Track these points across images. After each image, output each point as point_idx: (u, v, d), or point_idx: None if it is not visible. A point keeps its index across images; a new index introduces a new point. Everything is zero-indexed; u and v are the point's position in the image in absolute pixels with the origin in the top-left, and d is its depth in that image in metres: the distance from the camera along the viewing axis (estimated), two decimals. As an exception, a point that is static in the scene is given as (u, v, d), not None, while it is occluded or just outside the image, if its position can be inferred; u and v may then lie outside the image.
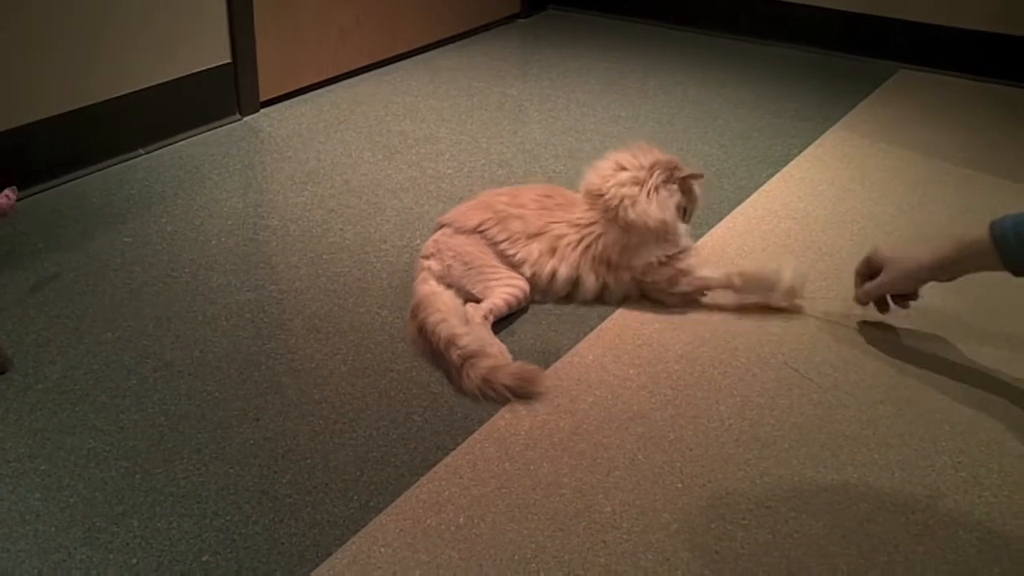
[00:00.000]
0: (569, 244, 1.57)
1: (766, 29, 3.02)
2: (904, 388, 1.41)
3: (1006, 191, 2.06)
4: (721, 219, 1.90)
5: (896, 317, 1.55)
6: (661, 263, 1.57)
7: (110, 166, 2.05)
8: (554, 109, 2.44)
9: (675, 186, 1.59)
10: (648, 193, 1.56)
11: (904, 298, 1.52)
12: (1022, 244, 1.32)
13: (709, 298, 1.60)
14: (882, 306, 1.54)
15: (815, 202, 1.98)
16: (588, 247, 1.57)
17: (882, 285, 1.50)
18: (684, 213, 1.63)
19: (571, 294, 1.59)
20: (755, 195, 2.01)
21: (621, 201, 1.56)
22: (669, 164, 1.60)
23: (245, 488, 1.19)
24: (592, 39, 3.02)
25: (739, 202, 1.97)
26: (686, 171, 1.61)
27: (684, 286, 1.58)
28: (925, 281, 1.48)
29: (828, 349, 1.50)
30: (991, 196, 2.04)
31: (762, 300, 1.59)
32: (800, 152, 2.22)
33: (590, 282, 1.58)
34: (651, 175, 1.58)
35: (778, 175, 2.10)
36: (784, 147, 2.24)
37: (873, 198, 2.01)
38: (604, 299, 1.60)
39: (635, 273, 1.58)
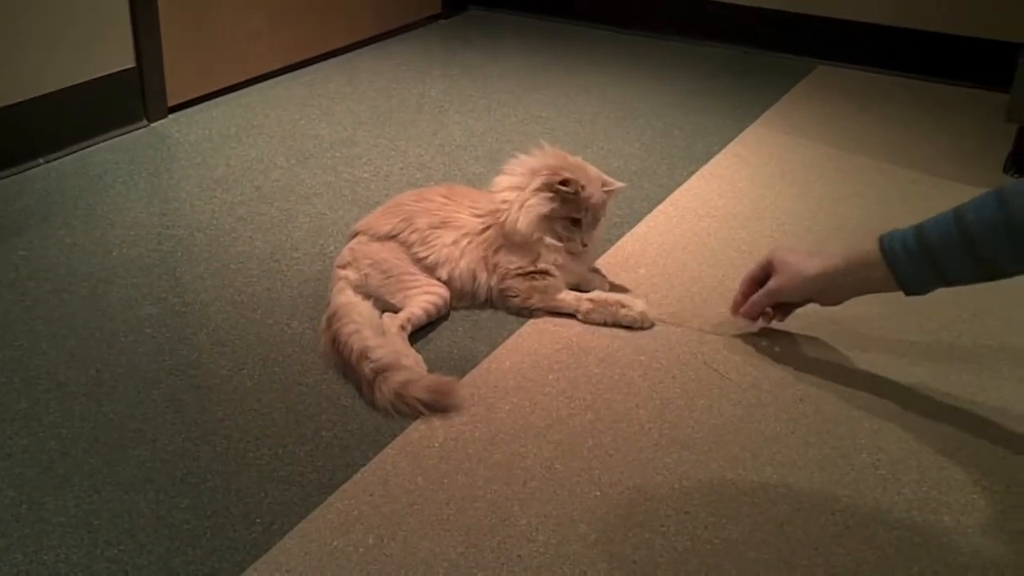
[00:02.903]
0: (468, 235, 1.54)
1: (685, 27, 3.02)
2: (823, 385, 1.40)
3: (924, 183, 2.07)
4: (642, 218, 1.88)
5: (790, 324, 1.50)
6: (518, 274, 1.53)
7: (6, 176, 1.95)
8: (474, 110, 2.40)
9: (549, 194, 1.51)
10: (522, 202, 1.51)
11: (783, 310, 1.47)
12: (912, 259, 1.28)
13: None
14: (766, 316, 1.48)
15: (735, 199, 1.97)
16: (481, 242, 1.54)
17: (770, 292, 1.42)
18: (573, 223, 1.53)
19: (473, 294, 1.55)
20: (676, 193, 1.99)
21: (500, 205, 1.53)
22: (553, 169, 1.52)
23: (140, 515, 1.12)
24: (513, 39, 2.99)
25: (660, 201, 1.95)
26: (560, 178, 1.50)
27: (527, 303, 1.53)
28: (811, 293, 1.41)
29: (747, 348, 1.48)
30: (909, 189, 2.05)
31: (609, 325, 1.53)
32: (720, 150, 2.21)
33: (483, 278, 1.54)
34: (530, 181, 1.52)
35: (698, 173, 2.09)
36: (704, 145, 2.23)
37: (793, 194, 2.00)
38: (492, 302, 1.56)
39: (499, 274, 1.54)
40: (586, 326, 1.52)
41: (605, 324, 1.52)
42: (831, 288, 1.39)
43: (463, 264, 1.53)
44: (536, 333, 1.50)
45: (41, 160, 2.03)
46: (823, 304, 1.43)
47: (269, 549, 1.08)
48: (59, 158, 2.05)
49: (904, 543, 1.12)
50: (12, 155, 1.97)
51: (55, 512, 1.12)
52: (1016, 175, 2.09)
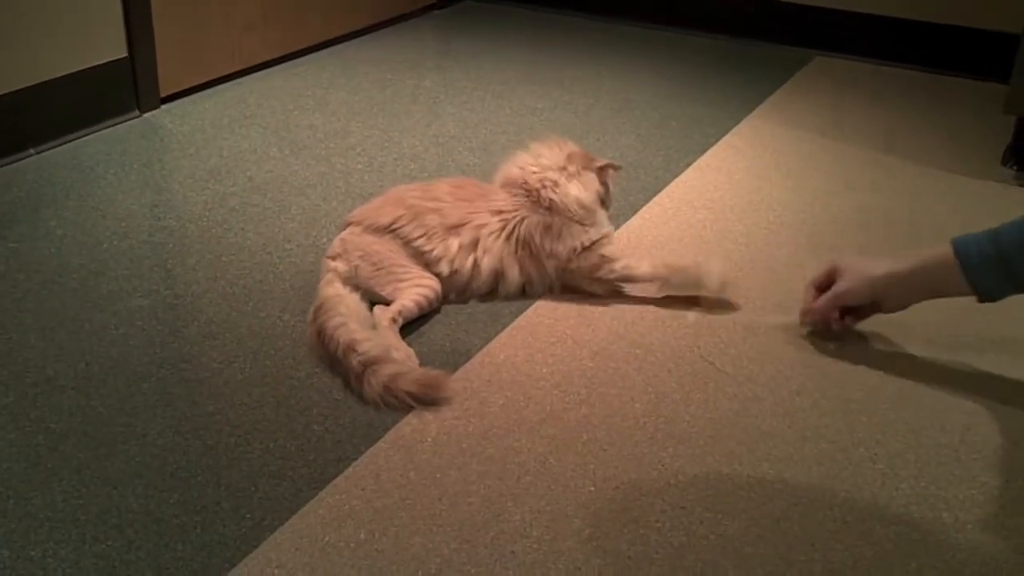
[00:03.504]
0: (492, 233, 1.52)
1: (682, 18, 3.00)
2: (820, 379, 1.39)
3: (922, 175, 2.06)
4: (637, 210, 1.86)
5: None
6: (585, 248, 1.53)
7: (-4, 167, 1.94)
8: (469, 101, 2.38)
9: (593, 174, 1.58)
10: (568, 178, 1.55)
11: (853, 315, 1.44)
12: (987, 263, 1.26)
13: (635, 290, 1.56)
14: (835, 321, 1.43)
15: (731, 191, 1.96)
16: (511, 234, 1.52)
17: (836, 296, 1.40)
18: (602, 204, 1.61)
19: (494, 289, 1.54)
20: (672, 185, 1.97)
21: (543, 184, 1.54)
22: (584, 155, 1.60)
23: (129, 510, 1.11)
24: (509, 30, 2.97)
25: (656, 192, 1.94)
26: (601, 161, 1.59)
27: (607, 273, 1.53)
28: (877, 295, 1.38)
29: (743, 341, 1.47)
30: (907, 181, 2.03)
31: (688, 293, 1.53)
32: (716, 141, 2.19)
33: (513, 274, 1.52)
34: (570, 162, 1.57)
35: (695, 164, 2.07)
36: (701, 136, 2.22)
37: (789, 186, 1.99)
38: (527, 292, 1.54)
39: (559, 260, 1.53)
40: (582, 318, 1.50)
41: (686, 291, 1.52)
42: (898, 290, 1.36)
43: (486, 262, 1.51)
44: (530, 326, 1.49)
45: (32, 151, 2.01)
46: (888, 309, 1.40)
47: (259, 544, 1.06)
48: (50, 149, 2.03)
49: (902, 539, 1.11)
50: (2, 146, 1.95)
51: (42, 507, 1.11)
52: (1014, 167, 2.07)
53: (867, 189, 1.99)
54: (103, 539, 1.07)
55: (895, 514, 1.14)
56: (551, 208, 1.53)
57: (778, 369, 1.40)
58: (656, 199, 1.91)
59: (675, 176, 2.01)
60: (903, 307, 1.39)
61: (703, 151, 2.14)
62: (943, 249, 1.30)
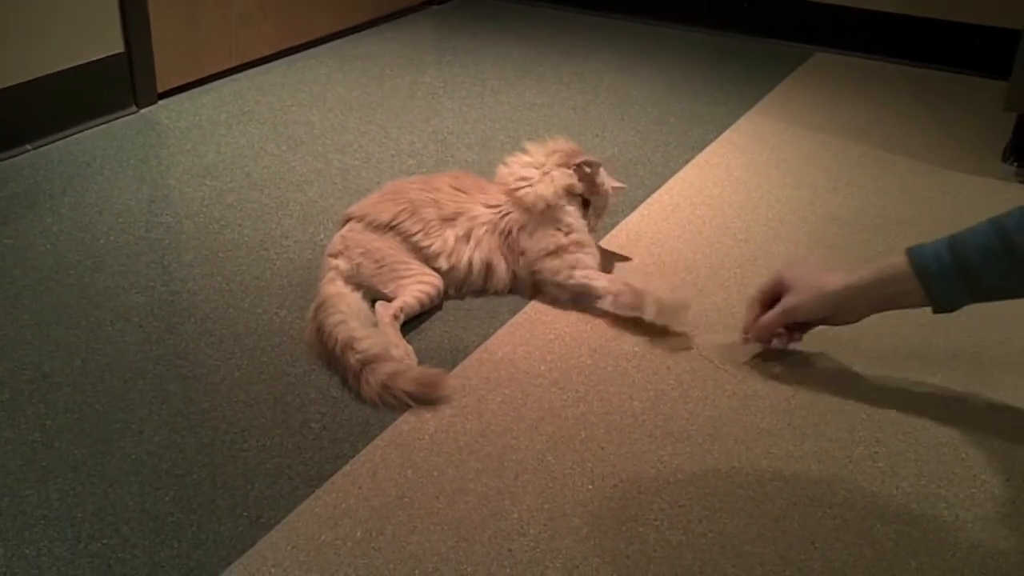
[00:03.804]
0: (483, 225, 1.52)
1: (681, 14, 2.99)
2: (820, 377, 1.38)
3: (921, 172, 2.05)
4: (636, 207, 1.85)
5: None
6: (550, 252, 1.52)
7: (-8, 163, 1.93)
8: (468, 97, 2.38)
9: (567, 171, 1.55)
10: (542, 176, 1.54)
11: (800, 328, 1.38)
12: (946, 273, 1.21)
13: (599, 302, 1.50)
14: (781, 337, 1.38)
15: (731, 188, 1.95)
16: (500, 230, 1.52)
17: (785, 312, 1.33)
18: (586, 205, 1.58)
19: (485, 285, 1.53)
20: (671, 181, 1.97)
21: (517, 182, 1.54)
22: (570, 152, 1.58)
23: (124, 508, 1.10)
24: (508, 25, 2.96)
25: (655, 189, 1.93)
26: (580, 157, 1.56)
27: (566, 279, 1.51)
28: (829, 310, 1.32)
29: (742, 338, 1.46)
30: (907, 177, 2.03)
31: (633, 315, 1.46)
32: (716, 137, 2.18)
33: (501, 269, 1.52)
34: (550, 159, 1.56)
35: (694, 161, 2.06)
36: (700, 132, 2.21)
37: (788, 183, 1.98)
38: (515, 289, 1.54)
39: (528, 260, 1.52)
40: (580, 315, 1.50)
41: (627, 309, 1.46)
42: (852, 304, 1.31)
43: (476, 256, 1.51)
44: (529, 323, 1.48)
45: (28, 146, 2.00)
46: (838, 323, 1.35)
47: (255, 543, 1.06)
48: (46, 144, 2.02)
49: (902, 537, 1.10)
50: (0, 141, 1.95)
51: (37, 505, 1.10)
52: (1015, 164, 2.07)
53: (867, 186, 1.98)
54: (98, 537, 1.06)
55: (895, 513, 1.14)
56: (523, 208, 1.53)
57: (777, 366, 1.40)
58: (655, 195, 1.90)
59: (674, 172, 2.00)
60: (853, 322, 1.34)
61: (702, 147, 2.13)
62: (898, 260, 1.25)
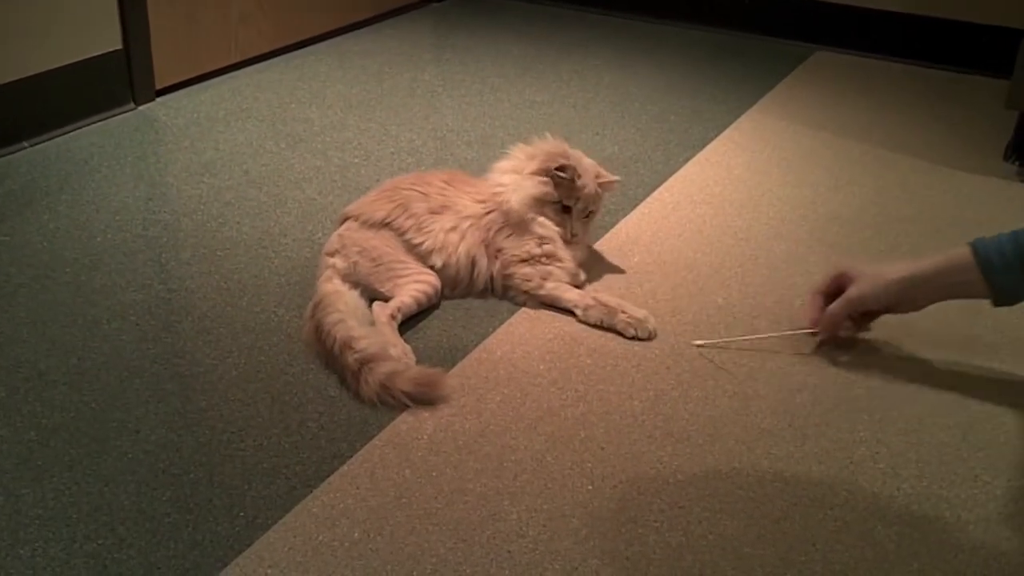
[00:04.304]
0: (468, 220, 1.52)
1: (682, 11, 2.98)
2: (821, 376, 1.37)
3: (923, 171, 2.04)
4: (637, 205, 1.84)
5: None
6: (523, 260, 1.51)
7: (-11, 160, 1.92)
8: (467, 95, 2.37)
9: (543, 178, 1.52)
10: (515, 185, 1.52)
11: (866, 319, 1.42)
12: (1008, 266, 1.24)
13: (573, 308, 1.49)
14: (847, 327, 1.41)
15: (731, 186, 1.94)
16: (483, 226, 1.52)
17: (850, 301, 1.36)
18: (568, 210, 1.53)
19: (471, 280, 1.52)
20: (671, 179, 1.96)
21: (495, 188, 1.53)
22: (549, 156, 1.53)
23: (120, 508, 1.09)
24: (508, 23, 2.95)
25: (655, 187, 1.92)
26: (556, 163, 1.51)
27: (535, 288, 1.50)
28: (893, 299, 1.35)
29: (742, 337, 1.45)
30: (908, 176, 2.02)
31: (602, 329, 1.46)
32: (717, 135, 2.17)
33: (483, 265, 1.52)
34: (527, 165, 1.54)
35: (694, 159, 2.05)
36: (701, 131, 2.20)
37: (789, 181, 1.97)
38: (493, 290, 1.53)
39: (504, 260, 1.51)
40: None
41: (600, 326, 1.46)
42: (915, 293, 1.34)
43: (462, 249, 1.50)
44: (528, 322, 1.47)
45: (25, 143, 1.99)
46: (901, 311, 1.37)
47: (252, 543, 1.05)
48: (44, 141, 2.01)
49: (904, 538, 1.09)
50: (-5, 138, 1.94)
51: (32, 504, 1.09)
52: (1016, 162, 2.06)
53: (868, 185, 1.97)
54: (94, 537, 1.05)
55: (897, 514, 1.13)
56: (500, 213, 1.52)
57: (778, 366, 1.39)
58: (655, 194, 1.89)
59: (674, 171, 1.99)
60: (917, 309, 1.37)
61: (703, 146, 2.12)
62: (962, 251, 1.29)
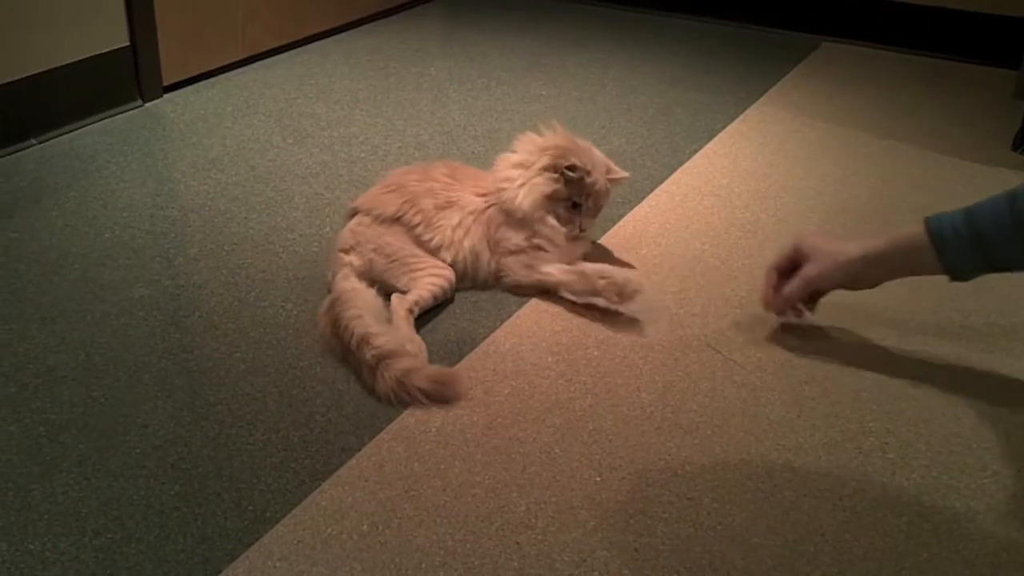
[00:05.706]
0: (471, 215, 1.52)
1: (688, 3, 2.97)
2: (830, 367, 1.37)
3: (930, 162, 2.03)
4: (644, 197, 1.84)
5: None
6: (520, 250, 1.51)
7: (-3, 158, 1.92)
8: (474, 89, 2.36)
9: (555, 175, 1.51)
10: (524, 181, 1.51)
11: (814, 298, 1.40)
12: (961, 243, 1.23)
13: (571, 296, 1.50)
14: (800, 306, 1.40)
15: (738, 178, 1.94)
16: (485, 219, 1.52)
17: (808, 282, 1.34)
18: (576, 206, 1.53)
19: (475, 274, 1.52)
20: (678, 172, 1.95)
21: (502, 183, 1.52)
22: (559, 150, 1.52)
23: (129, 502, 1.09)
24: (514, 17, 2.94)
25: (662, 180, 1.92)
26: (567, 162, 1.50)
27: (525, 277, 1.50)
28: (848, 278, 1.34)
29: (751, 329, 1.45)
30: (914, 168, 2.01)
31: (589, 301, 1.47)
32: (723, 128, 2.17)
33: (485, 258, 1.52)
34: (537, 160, 1.52)
35: (701, 151, 2.05)
36: (707, 123, 2.19)
37: (796, 173, 1.97)
38: (494, 284, 1.53)
39: (499, 251, 1.52)
40: (587, 307, 1.48)
41: (584, 294, 1.46)
42: (870, 271, 1.33)
43: (467, 244, 1.51)
44: (536, 314, 1.47)
45: (33, 140, 2.00)
46: (856, 288, 1.36)
47: (261, 537, 1.05)
48: (51, 138, 2.02)
49: (913, 528, 1.09)
50: (4, 135, 1.94)
51: (42, 500, 1.09)
52: (1025, 153, 2.05)
53: (875, 176, 1.97)
54: (103, 531, 1.05)
55: (906, 504, 1.13)
56: (504, 208, 1.51)
57: (786, 357, 1.39)
58: (663, 186, 1.89)
59: (681, 163, 1.99)
60: (872, 287, 1.36)
61: (710, 138, 2.11)
62: (916, 230, 1.27)
